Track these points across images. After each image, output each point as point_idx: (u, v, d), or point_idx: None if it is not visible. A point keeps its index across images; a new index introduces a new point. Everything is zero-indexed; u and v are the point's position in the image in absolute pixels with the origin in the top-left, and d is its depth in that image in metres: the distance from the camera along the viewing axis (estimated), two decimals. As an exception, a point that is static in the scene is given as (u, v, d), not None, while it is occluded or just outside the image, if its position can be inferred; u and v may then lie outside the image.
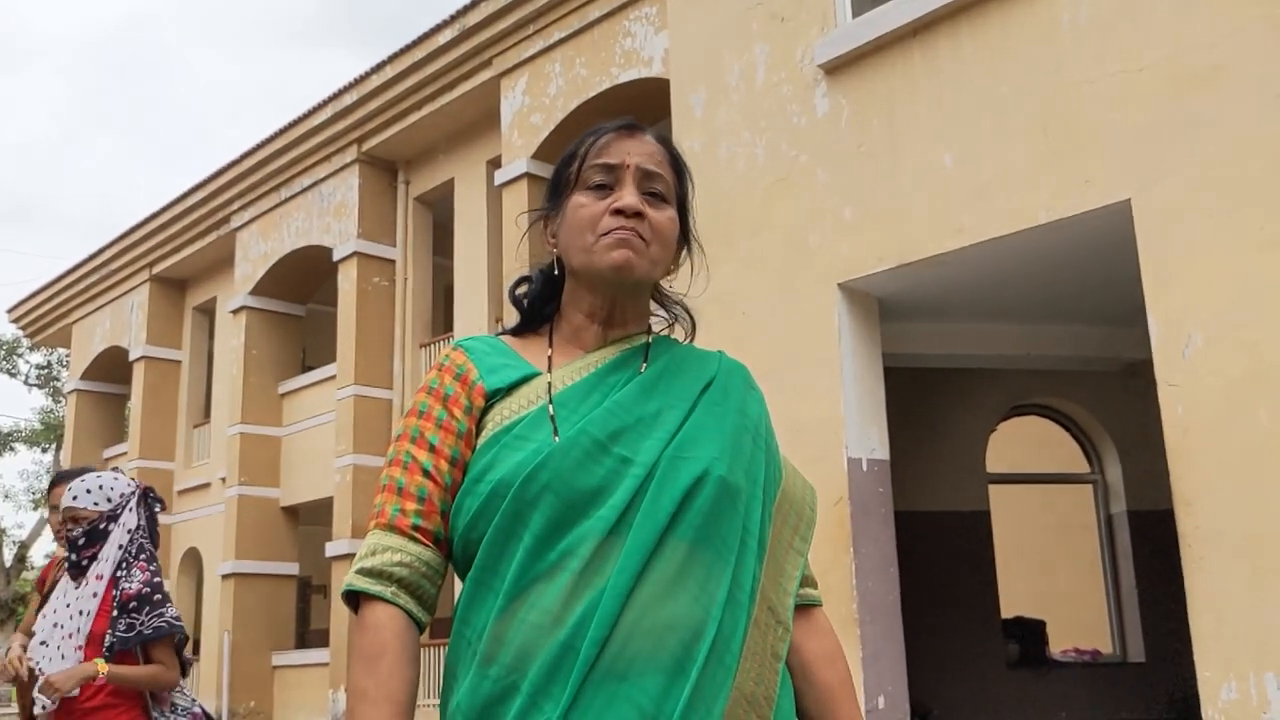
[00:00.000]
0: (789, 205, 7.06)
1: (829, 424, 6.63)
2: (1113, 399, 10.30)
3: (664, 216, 1.46)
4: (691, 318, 1.61)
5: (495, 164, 12.41)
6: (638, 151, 1.46)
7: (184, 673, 3.62)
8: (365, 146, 13.84)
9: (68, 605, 3.48)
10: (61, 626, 3.44)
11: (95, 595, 3.44)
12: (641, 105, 10.34)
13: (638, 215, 1.43)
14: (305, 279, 15.62)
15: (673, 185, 1.49)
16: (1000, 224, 6.02)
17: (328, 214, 14.39)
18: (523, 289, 1.58)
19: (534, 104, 11.43)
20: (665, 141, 1.52)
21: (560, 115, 11.07)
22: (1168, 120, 5.46)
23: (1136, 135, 5.56)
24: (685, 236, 1.54)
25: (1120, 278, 5.95)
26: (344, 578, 1.39)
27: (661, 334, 1.56)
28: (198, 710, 3.61)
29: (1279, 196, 5.04)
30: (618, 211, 1.43)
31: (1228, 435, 5.07)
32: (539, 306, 1.56)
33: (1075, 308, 7.93)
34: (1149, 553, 9.88)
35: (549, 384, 1.43)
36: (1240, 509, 4.99)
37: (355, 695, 1.30)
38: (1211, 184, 5.27)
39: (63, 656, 3.39)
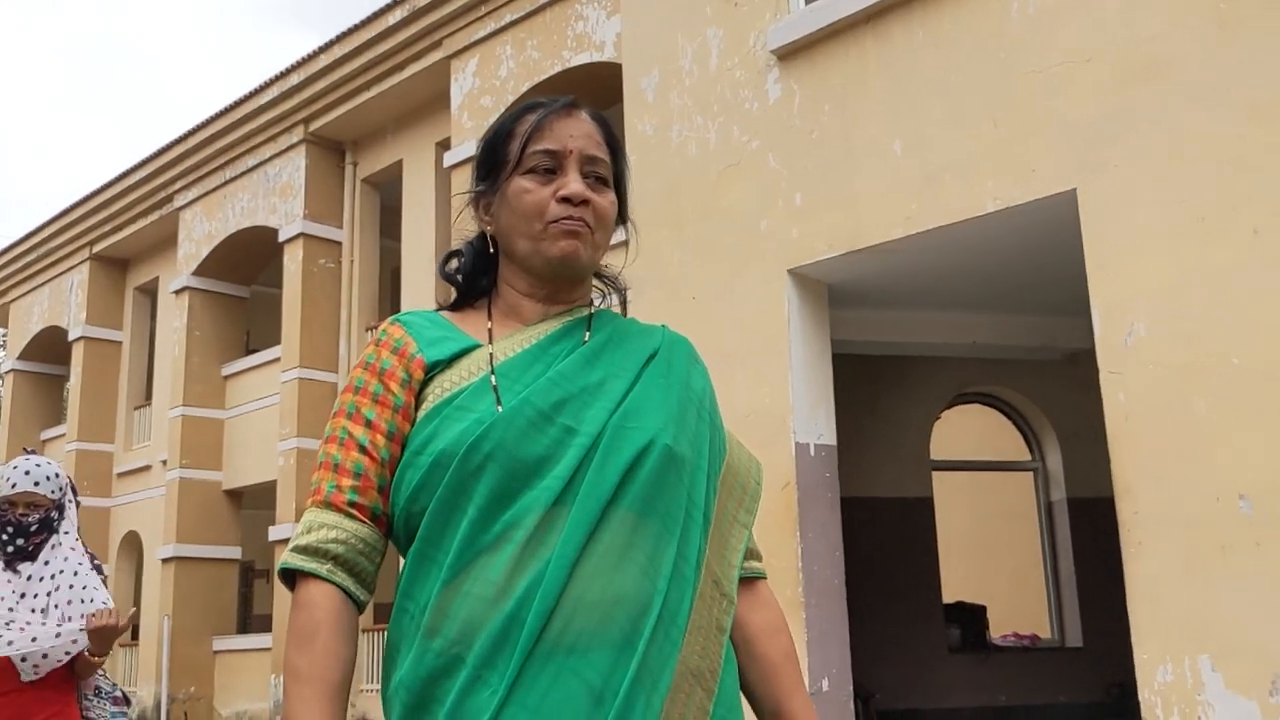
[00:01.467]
0: (740, 190, 7.07)
1: (777, 409, 6.66)
2: (1054, 388, 10.45)
3: (606, 201, 1.47)
4: (621, 290, 1.61)
5: (444, 146, 12.32)
6: (579, 134, 1.46)
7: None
8: (312, 127, 13.67)
9: (14, 590, 3.42)
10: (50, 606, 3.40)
11: (84, 567, 3.46)
12: (593, 89, 10.31)
13: (584, 203, 1.43)
14: (250, 260, 15.43)
15: (609, 166, 1.49)
16: (948, 212, 6.07)
17: (273, 194, 14.20)
18: (454, 264, 1.56)
19: (484, 86, 11.35)
20: (602, 120, 1.51)
21: (511, 98, 11.01)
22: (1113, 111, 5.54)
23: (1083, 126, 5.63)
24: (621, 214, 1.54)
25: (1065, 267, 6.03)
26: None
27: (603, 307, 1.56)
28: (119, 694, 3.62)
29: (1220, 189, 5.13)
30: (564, 199, 1.42)
31: (1167, 423, 5.16)
32: (474, 280, 1.55)
33: (1020, 297, 8.03)
34: (1088, 539, 10.05)
35: (490, 355, 1.42)
36: (1178, 495, 5.08)
37: (289, 674, 1.28)
38: (1154, 176, 5.35)
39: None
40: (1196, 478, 5.03)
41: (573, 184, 1.43)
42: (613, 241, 1.56)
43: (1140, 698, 5.10)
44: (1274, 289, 4.92)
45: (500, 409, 1.34)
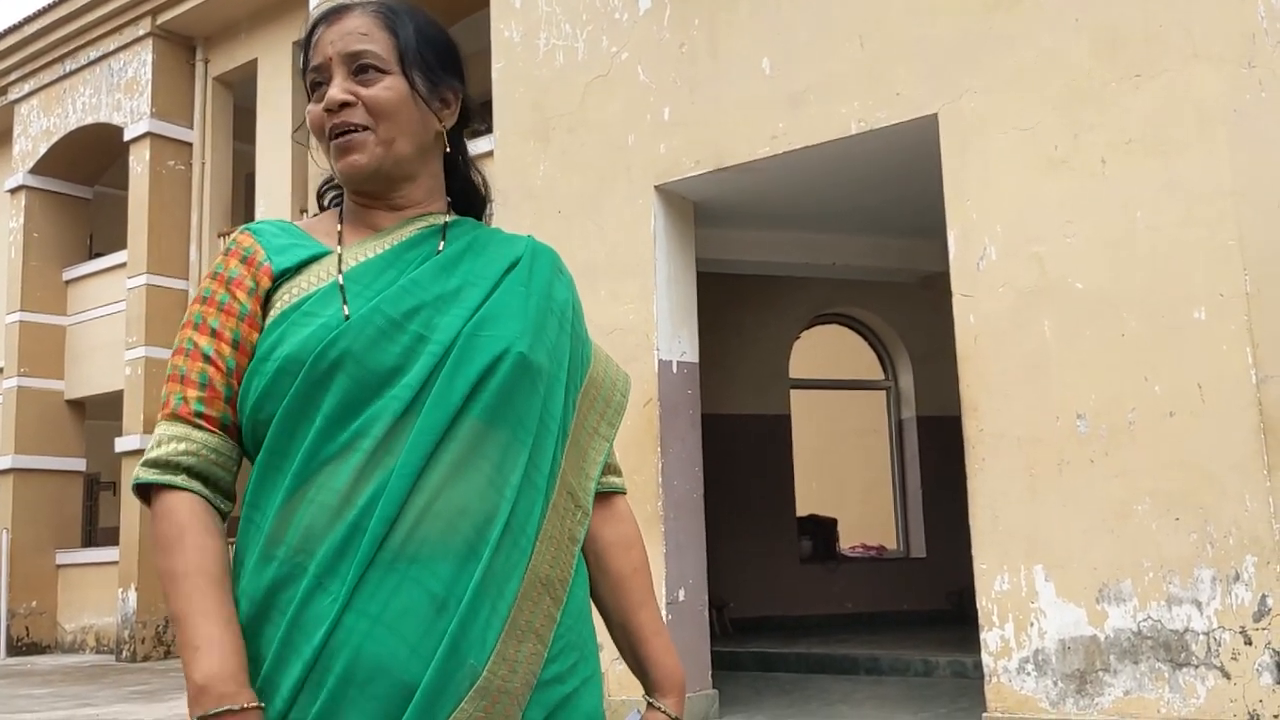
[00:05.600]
0: (608, 103, 7.00)
1: (641, 326, 6.69)
2: (908, 309, 10.77)
3: (378, 89, 1.39)
4: (485, 184, 1.57)
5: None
6: (337, 37, 1.40)
7: None
8: (160, 19, 12.97)
9: None
10: None
11: None
12: (459, -7, 10.00)
13: (343, 107, 1.38)
14: (93, 159, 14.64)
15: (391, 47, 1.41)
16: (813, 132, 6.12)
17: (118, 90, 13.47)
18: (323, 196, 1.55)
19: (345, -16, 10.92)
20: (376, 7, 1.43)
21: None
22: (976, 37, 5.63)
23: (946, 50, 5.72)
24: (435, 85, 1.43)
25: (924, 190, 6.16)
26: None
27: (465, 217, 1.52)
28: None
29: (1071, 118, 5.29)
30: (327, 111, 1.39)
31: (1014, 344, 5.37)
32: (336, 195, 1.53)
33: (879, 219, 8.19)
34: (935, 456, 10.46)
35: (339, 259, 1.39)
36: (1020, 414, 5.31)
37: (166, 578, 1.26)
38: (1012, 102, 5.49)
39: None
40: (1038, 397, 5.26)
41: (330, 91, 1.38)
42: (479, 151, 1.52)
43: (978, 605, 5.37)
44: (1117, 217, 5.12)
45: (347, 312, 1.32)
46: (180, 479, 1.30)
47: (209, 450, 1.32)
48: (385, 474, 1.26)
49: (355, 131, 1.38)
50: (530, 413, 1.35)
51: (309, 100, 1.43)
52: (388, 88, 1.39)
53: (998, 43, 5.56)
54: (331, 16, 1.42)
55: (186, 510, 1.29)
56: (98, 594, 13.67)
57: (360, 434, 1.28)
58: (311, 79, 1.41)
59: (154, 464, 1.31)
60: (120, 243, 13.94)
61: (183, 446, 1.31)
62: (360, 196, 1.45)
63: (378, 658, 1.22)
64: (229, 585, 1.28)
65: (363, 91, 1.38)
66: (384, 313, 1.32)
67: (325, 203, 1.54)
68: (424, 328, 1.33)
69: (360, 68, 1.39)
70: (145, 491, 1.32)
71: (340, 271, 1.37)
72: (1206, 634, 4.74)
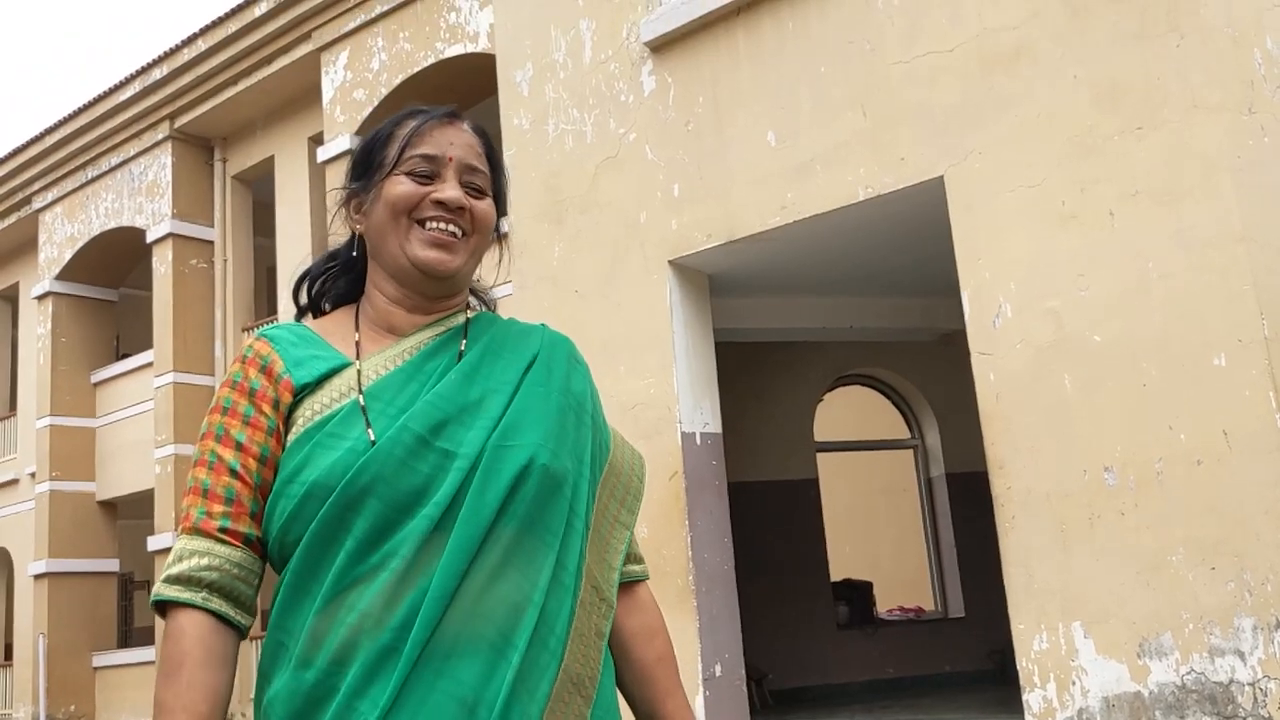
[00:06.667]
0: (619, 183, 7.10)
1: (663, 400, 6.71)
2: (930, 368, 10.74)
3: (485, 204, 1.45)
4: (491, 304, 1.59)
5: (317, 141, 12.07)
6: (459, 143, 1.44)
7: None
8: (178, 123, 13.26)
9: None
10: None
11: None
12: (467, 81, 10.21)
13: (460, 209, 1.41)
14: (117, 262, 14.90)
15: (488, 177, 1.47)
16: (822, 201, 6.19)
17: (139, 194, 13.74)
18: (303, 290, 1.54)
19: (356, 79, 11.15)
20: (482, 134, 1.49)
21: (384, 91, 10.83)
22: (976, 99, 5.70)
23: (948, 114, 5.79)
24: (496, 227, 1.52)
25: (935, 251, 6.20)
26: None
27: (481, 310, 1.53)
28: None
29: (1077, 173, 5.33)
30: (439, 203, 1.40)
31: (1035, 400, 5.35)
32: (343, 287, 1.52)
33: (894, 281, 8.23)
34: (967, 513, 10.36)
35: (359, 373, 1.37)
36: (1047, 469, 5.28)
37: (156, 707, 1.26)
38: (1017, 161, 5.53)
39: None
40: (1064, 452, 5.23)
41: (449, 189, 1.40)
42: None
43: (1018, 666, 5.29)
44: (1130, 268, 5.13)
45: (371, 435, 1.31)
46: (201, 596, 1.28)
47: (232, 565, 1.30)
48: (418, 595, 1.25)
49: (456, 235, 1.42)
50: (558, 518, 1.35)
51: (380, 173, 1.43)
52: (490, 206, 1.46)
53: (999, 102, 5.62)
54: (445, 119, 1.46)
55: (193, 636, 1.27)
56: (135, 694, 13.62)
57: (390, 555, 1.27)
58: (417, 165, 1.42)
59: (175, 580, 1.29)
60: (146, 343, 14.12)
61: (205, 561, 1.29)
62: (400, 289, 1.44)
63: None
64: (218, 718, 1.27)
65: (474, 203, 1.43)
66: (412, 431, 1.31)
67: (315, 289, 1.53)
68: (450, 443, 1.32)
69: (473, 185, 1.44)
70: (163, 607, 1.30)
71: (361, 388, 1.36)
72: (1251, 684, 4.66)
